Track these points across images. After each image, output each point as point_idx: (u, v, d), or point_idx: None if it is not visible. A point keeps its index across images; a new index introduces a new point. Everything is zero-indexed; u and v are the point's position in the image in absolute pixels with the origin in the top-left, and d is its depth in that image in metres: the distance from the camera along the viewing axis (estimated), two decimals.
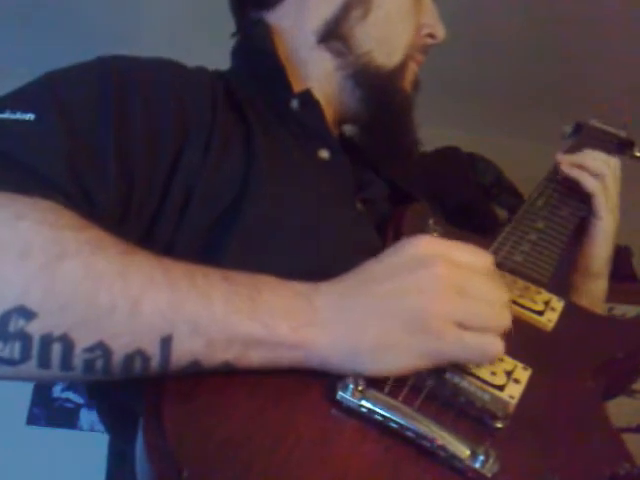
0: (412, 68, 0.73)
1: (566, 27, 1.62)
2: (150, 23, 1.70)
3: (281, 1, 0.71)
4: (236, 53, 0.74)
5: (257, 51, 0.70)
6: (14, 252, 0.39)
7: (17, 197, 0.42)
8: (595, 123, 0.84)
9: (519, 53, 1.72)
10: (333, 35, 0.69)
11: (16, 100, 0.52)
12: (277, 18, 0.71)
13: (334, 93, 0.71)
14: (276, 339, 0.43)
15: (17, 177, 0.45)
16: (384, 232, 0.68)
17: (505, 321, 0.46)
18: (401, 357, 0.44)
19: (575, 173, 0.73)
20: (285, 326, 0.43)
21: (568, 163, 0.74)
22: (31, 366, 0.39)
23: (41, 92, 0.53)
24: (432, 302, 0.44)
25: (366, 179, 0.72)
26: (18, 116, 0.49)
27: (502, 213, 1.73)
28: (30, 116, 0.49)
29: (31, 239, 0.40)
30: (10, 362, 0.39)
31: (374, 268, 0.47)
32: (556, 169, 0.76)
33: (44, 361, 0.39)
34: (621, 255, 1.83)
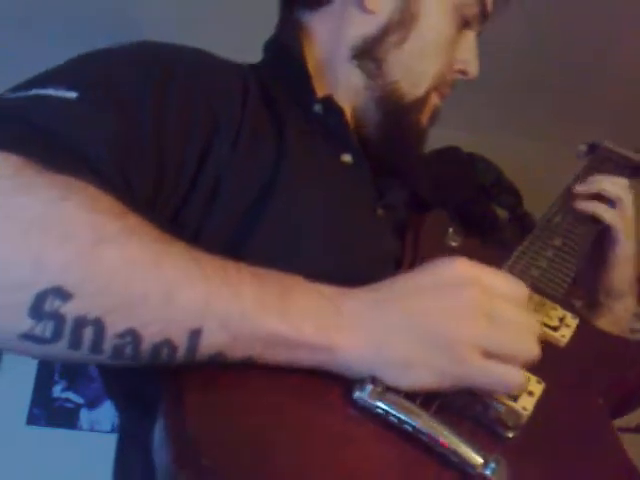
0: (434, 101, 0.72)
1: (568, 26, 1.62)
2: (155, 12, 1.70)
3: (325, 6, 0.70)
4: (267, 47, 0.74)
5: (284, 50, 0.70)
6: (55, 233, 0.39)
7: (60, 178, 0.42)
8: (609, 145, 0.83)
9: (520, 52, 1.72)
10: (368, 55, 0.68)
11: (59, 77, 0.51)
12: (317, 21, 0.71)
13: (357, 108, 0.70)
14: (301, 340, 0.43)
15: (61, 157, 0.45)
16: (403, 239, 0.68)
17: (532, 352, 0.46)
18: (421, 376, 0.45)
19: (590, 208, 0.73)
20: (312, 328, 0.43)
21: (583, 197, 0.74)
22: (61, 346, 0.40)
23: (84, 71, 0.53)
24: (460, 326, 0.45)
25: (386, 185, 0.72)
26: (60, 94, 0.48)
27: (502, 213, 1.73)
28: (73, 94, 0.49)
29: (72, 221, 0.40)
30: (41, 341, 0.39)
31: (408, 283, 0.48)
32: (571, 189, 0.76)
33: (75, 343, 0.40)
34: None
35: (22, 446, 1.71)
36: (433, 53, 0.69)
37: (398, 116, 0.70)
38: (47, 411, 1.78)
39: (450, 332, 0.44)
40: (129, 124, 0.50)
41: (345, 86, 0.70)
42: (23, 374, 1.79)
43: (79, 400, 1.80)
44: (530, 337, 0.47)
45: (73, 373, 1.82)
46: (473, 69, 0.72)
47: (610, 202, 0.73)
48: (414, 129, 0.71)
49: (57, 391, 1.80)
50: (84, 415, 1.79)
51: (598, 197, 0.74)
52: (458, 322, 0.45)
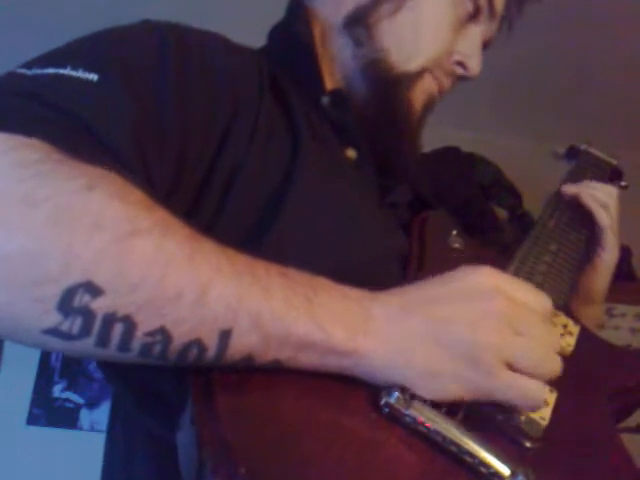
0: (429, 85, 0.69)
1: (569, 27, 1.62)
2: None
3: None
4: (274, 34, 0.72)
5: (294, 39, 0.68)
6: (85, 224, 0.37)
7: (85, 167, 0.40)
8: (590, 149, 0.84)
9: (520, 52, 1.72)
10: (359, 22, 0.66)
11: (75, 57, 0.48)
12: (319, 4, 0.69)
13: (347, 85, 0.67)
14: (330, 344, 0.42)
15: (85, 144, 0.43)
16: (408, 237, 0.68)
17: (555, 368, 0.46)
18: (447, 386, 0.44)
19: (593, 206, 0.72)
20: (341, 332, 0.43)
21: (585, 193, 0.74)
22: (88, 343, 0.38)
23: (100, 51, 0.50)
24: (487, 336, 0.44)
25: (389, 185, 0.70)
26: (80, 74, 0.46)
27: (502, 213, 1.73)
28: (93, 77, 0.46)
29: (103, 212, 0.38)
30: (67, 337, 0.37)
31: (434, 290, 0.47)
32: (560, 193, 0.76)
33: (102, 340, 0.38)
34: (621, 255, 1.82)
35: (22, 446, 1.71)
36: (429, 30, 0.67)
37: (385, 87, 0.66)
38: (47, 411, 1.78)
39: (477, 342, 0.44)
40: (150, 112, 0.48)
41: (339, 63, 0.67)
42: (23, 374, 1.79)
43: (79, 400, 1.80)
44: (553, 353, 0.46)
45: (73, 373, 1.82)
46: (474, 65, 0.69)
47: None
48: (404, 107, 0.68)
49: (57, 391, 1.80)
50: (84, 415, 1.79)
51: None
52: (485, 332, 0.44)
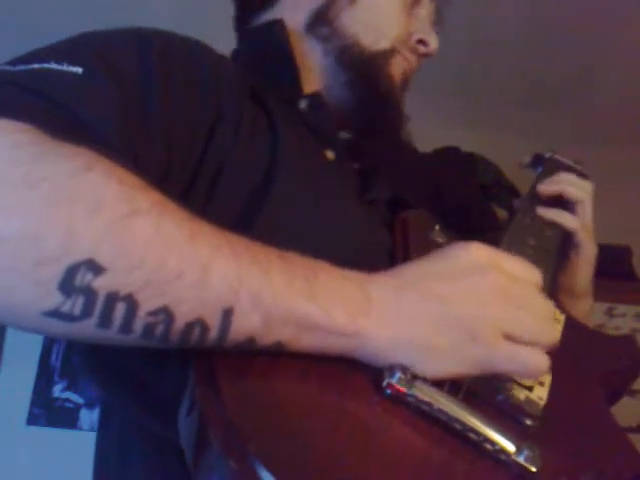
0: (400, 63, 0.72)
1: (569, 26, 1.62)
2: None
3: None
4: (244, 49, 0.73)
5: (273, 53, 0.70)
6: (84, 203, 0.37)
7: (79, 149, 0.40)
8: (555, 156, 0.85)
9: (520, 52, 1.72)
10: (320, 21, 0.69)
11: (59, 52, 0.49)
12: (280, 15, 0.71)
13: (326, 86, 0.69)
14: (332, 325, 0.43)
15: (74, 129, 0.43)
16: (392, 232, 0.69)
17: (553, 337, 0.47)
18: (448, 362, 0.45)
19: (551, 216, 0.73)
20: (342, 313, 0.43)
21: (545, 200, 0.74)
22: (89, 324, 0.37)
23: (84, 48, 0.51)
24: (483, 309, 0.45)
25: (369, 184, 0.72)
26: (65, 68, 0.47)
27: (502, 213, 1.73)
28: (78, 69, 0.47)
29: (101, 192, 0.38)
30: (69, 318, 0.37)
31: (425, 269, 0.47)
32: (535, 190, 0.77)
33: (105, 321, 0.37)
34: (621, 255, 1.83)
35: (22, 446, 1.71)
36: (388, 10, 0.70)
37: (364, 66, 0.69)
38: (47, 411, 1.78)
39: (475, 316, 0.44)
40: (136, 102, 0.49)
41: (313, 66, 0.69)
42: (23, 374, 1.79)
43: (79, 400, 1.80)
44: (550, 321, 0.47)
45: (73, 373, 1.82)
46: (432, 41, 0.73)
47: (571, 203, 0.74)
48: (387, 80, 0.70)
49: (57, 391, 1.80)
50: (84, 415, 1.79)
51: (561, 197, 0.74)
52: (481, 306, 0.45)
